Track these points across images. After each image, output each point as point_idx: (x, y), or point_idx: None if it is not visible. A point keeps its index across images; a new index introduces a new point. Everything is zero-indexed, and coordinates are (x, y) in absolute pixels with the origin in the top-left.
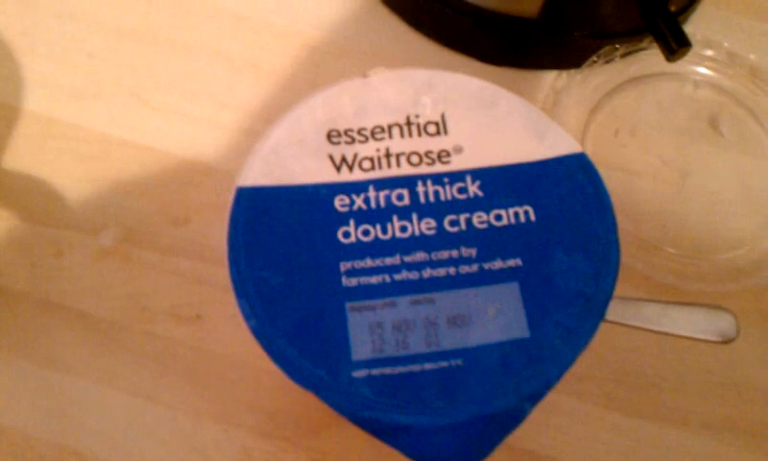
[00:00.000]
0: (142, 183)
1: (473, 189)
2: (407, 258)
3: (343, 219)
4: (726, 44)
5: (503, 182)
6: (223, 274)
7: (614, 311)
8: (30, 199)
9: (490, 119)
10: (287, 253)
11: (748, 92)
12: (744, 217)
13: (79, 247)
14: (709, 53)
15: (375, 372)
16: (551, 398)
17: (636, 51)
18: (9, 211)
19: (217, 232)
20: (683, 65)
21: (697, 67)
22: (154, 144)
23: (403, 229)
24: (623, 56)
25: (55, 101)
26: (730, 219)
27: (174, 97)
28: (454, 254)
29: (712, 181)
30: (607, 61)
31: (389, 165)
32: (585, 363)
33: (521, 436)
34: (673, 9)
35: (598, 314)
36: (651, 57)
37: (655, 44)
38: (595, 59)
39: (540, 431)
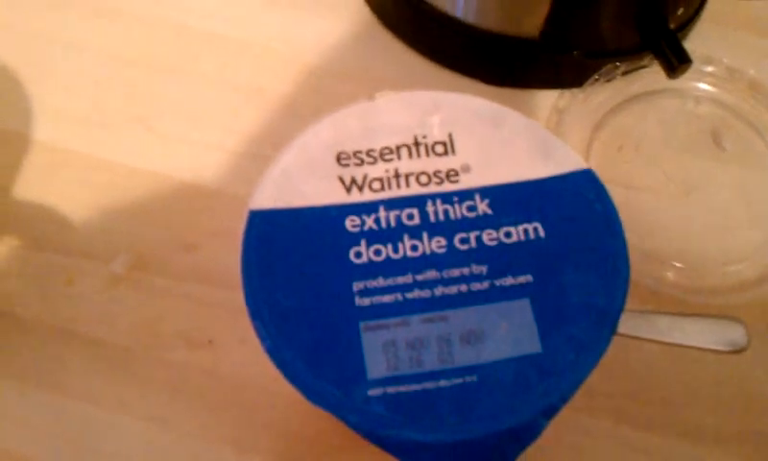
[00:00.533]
0: (151, 210)
1: (482, 207)
2: (419, 277)
3: (354, 239)
4: (725, 60)
5: (512, 200)
6: (234, 298)
7: (626, 324)
8: (40, 227)
9: (496, 138)
10: (300, 274)
11: (749, 107)
12: (749, 230)
13: (90, 274)
14: (710, 69)
15: (391, 390)
16: (564, 414)
17: (637, 69)
18: (20, 240)
19: (227, 257)
20: (683, 82)
21: (698, 83)
22: (162, 170)
23: (414, 248)
24: (624, 74)
25: (63, 130)
26: (735, 232)
27: (180, 124)
28: (465, 271)
29: (716, 195)
30: (608, 80)
31: (398, 185)
32: (596, 379)
33: (534, 454)
34: (672, 26)
35: (610, 327)
36: (652, 74)
37: (655, 62)
38: (597, 77)
39: (554, 449)
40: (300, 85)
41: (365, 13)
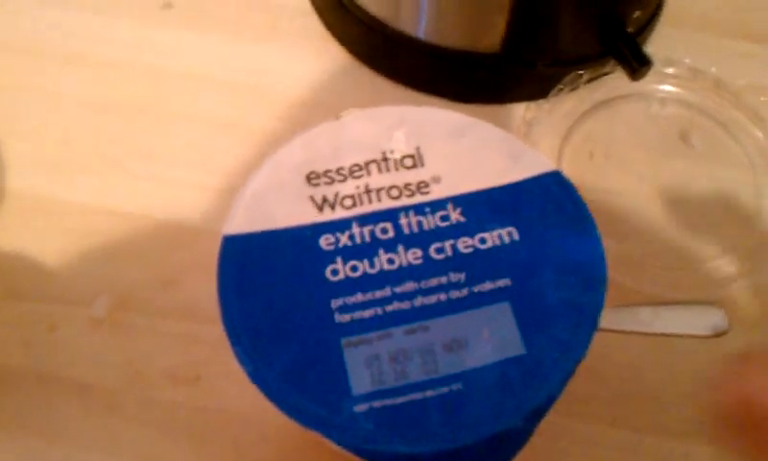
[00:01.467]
0: (130, 251)
1: (455, 216)
2: (397, 289)
3: (330, 257)
4: (687, 60)
5: (484, 206)
6: (218, 332)
7: (608, 319)
8: (19, 276)
9: (464, 147)
10: (278, 295)
11: (713, 104)
12: (724, 225)
13: (72, 319)
14: (671, 70)
15: (377, 404)
16: (554, 421)
17: (601, 76)
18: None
19: (208, 292)
20: (647, 85)
21: (661, 86)
22: (138, 211)
23: (390, 261)
24: (588, 81)
25: (35, 177)
26: (711, 228)
27: (155, 164)
28: (443, 280)
29: (690, 193)
30: (573, 89)
31: (370, 201)
32: (583, 383)
33: None
34: (631, 30)
35: (591, 323)
36: (615, 80)
37: (618, 68)
38: (561, 87)
39: (545, 456)
40: (270, 117)
41: (331, 43)
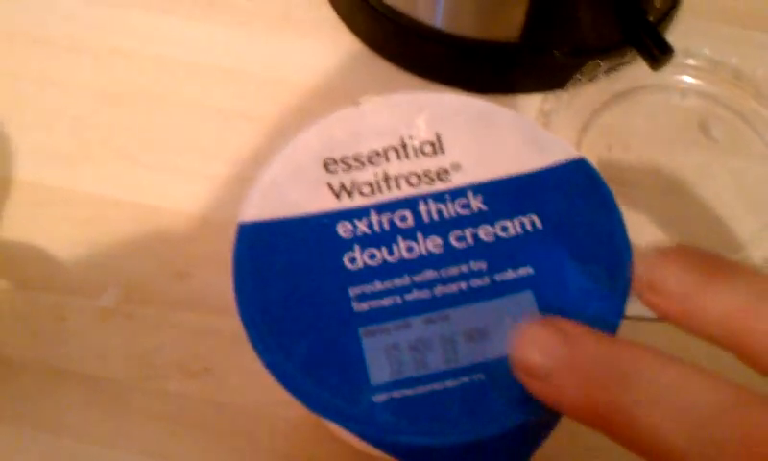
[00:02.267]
0: (139, 241)
1: (476, 204)
2: (417, 278)
3: (347, 245)
4: (706, 51)
5: (505, 194)
6: (229, 324)
7: (633, 306)
8: (27, 267)
9: (485, 134)
10: (295, 284)
11: (733, 96)
12: (744, 218)
13: (80, 310)
14: (691, 61)
15: (396, 394)
16: None
17: (619, 66)
18: (7, 281)
19: (219, 283)
20: (667, 76)
21: (681, 76)
22: (147, 201)
23: (410, 249)
24: (607, 72)
25: (45, 168)
26: (730, 221)
27: (164, 153)
28: (464, 268)
29: (709, 185)
30: (591, 79)
31: (388, 188)
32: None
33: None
34: (651, 19)
35: (617, 312)
36: (634, 70)
37: (637, 58)
38: (579, 77)
39: (568, 452)
40: (283, 107)
41: (344, 33)
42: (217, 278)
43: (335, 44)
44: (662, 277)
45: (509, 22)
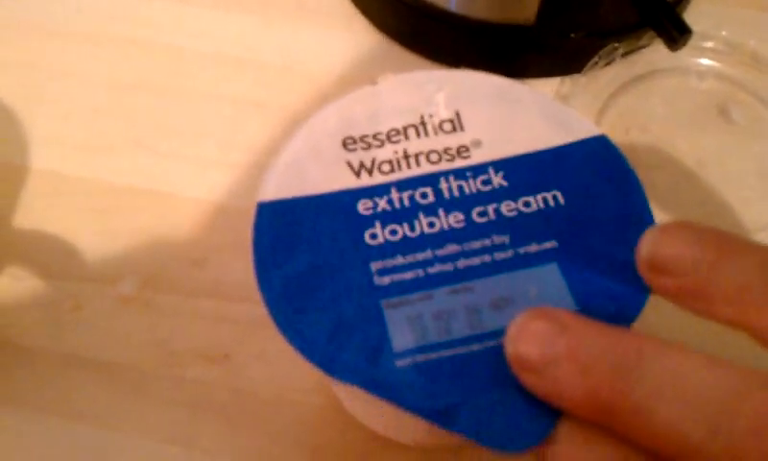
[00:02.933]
0: (156, 229)
1: (498, 180)
2: (439, 252)
3: (368, 222)
4: (724, 33)
5: (527, 170)
6: (247, 311)
7: None
8: (45, 256)
9: (505, 111)
10: (315, 260)
11: (752, 78)
12: (764, 200)
13: (98, 298)
14: (709, 44)
15: (420, 358)
16: None
17: (637, 49)
18: (25, 270)
19: (236, 270)
20: (685, 58)
21: (699, 59)
22: (164, 189)
23: (431, 224)
24: (624, 55)
25: (61, 158)
26: (750, 203)
27: (181, 142)
28: (487, 242)
29: (729, 168)
30: (608, 63)
31: (408, 166)
32: None
33: None
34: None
35: (644, 288)
36: (651, 53)
37: (654, 41)
38: (596, 60)
39: None
40: (299, 95)
41: (358, 20)
42: (234, 265)
43: (350, 31)
44: (667, 255)
45: (525, 4)
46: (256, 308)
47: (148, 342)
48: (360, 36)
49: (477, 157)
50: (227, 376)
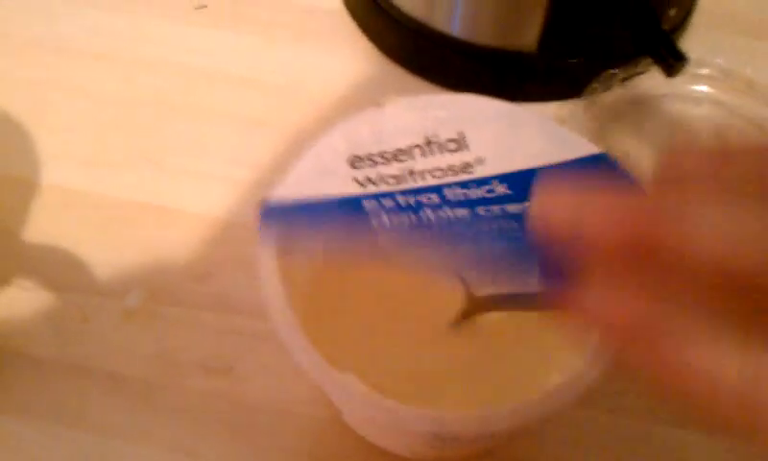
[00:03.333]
0: (162, 244)
1: (501, 189)
2: (445, 232)
3: (375, 214)
4: (720, 61)
5: (530, 182)
6: (251, 324)
7: None
8: (53, 268)
9: (507, 132)
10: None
11: (747, 104)
12: None
13: (105, 310)
14: (705, 71)
15: None
16: (591, 416)
17: (634, 76)
18: (33, 281)
19: (241, 284)
20: (681, 85)
21: (695, 86)
22: (170, 205)
23: (438, 217)
24: (622, 81)
25: (69, 172)
26: None
27: (187, 159)
28: (494, 226)
29: None
30: (606, 89)
31: (414, 180)
32: (620, 378)
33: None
34: (665, 28)
35: None
36: (649, 80)
37: (651, 67)
38: (595, 85)
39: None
40: (302, 114)
41: (362, 42)
42: (238, 279)
43: (354, 53)
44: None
45: (526, 31)
46: (260, 322)
47: (153, 353)
48: (364, 58)
49: (481, 172)
50: (230, 388)
